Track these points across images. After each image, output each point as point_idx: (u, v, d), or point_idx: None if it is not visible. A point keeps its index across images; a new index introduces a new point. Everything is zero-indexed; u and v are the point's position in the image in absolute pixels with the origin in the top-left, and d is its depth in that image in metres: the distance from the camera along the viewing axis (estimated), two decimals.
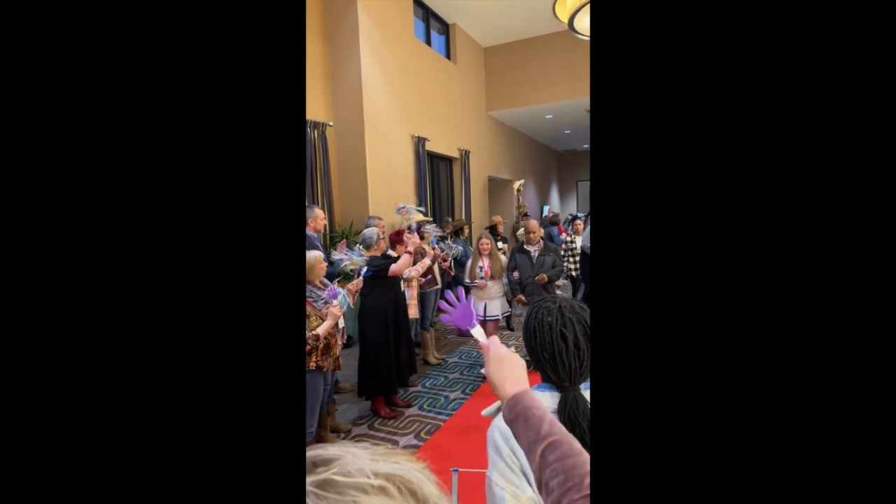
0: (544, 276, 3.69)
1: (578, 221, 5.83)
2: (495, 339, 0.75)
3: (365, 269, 3.10)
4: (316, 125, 4.77)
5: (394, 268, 3.10)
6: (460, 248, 4.89)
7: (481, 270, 3.98)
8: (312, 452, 0.33)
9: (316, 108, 4.95)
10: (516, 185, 8.41)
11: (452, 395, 3.55)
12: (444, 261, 4.61)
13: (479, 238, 4.08)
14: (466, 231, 5.63)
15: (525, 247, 3.90)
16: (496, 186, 9.19)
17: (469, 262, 4.13)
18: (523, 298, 3.80)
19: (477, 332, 0.83)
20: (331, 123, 5.02)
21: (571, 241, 5.65)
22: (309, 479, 0.29)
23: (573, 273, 5.63)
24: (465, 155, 7.40)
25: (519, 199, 8.62)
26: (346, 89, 5.14)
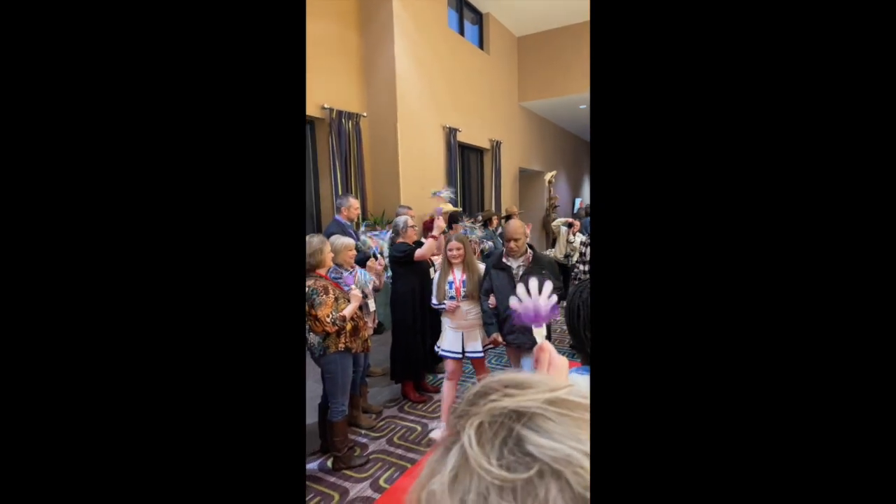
0: None
1: None
2: (549, 344, 0.72)
3: (386, 249, 3.18)
4: (350, 116, 4.86)
5: (419, 252, 3.15)
6: (490, 243, 4.83)
7: (451, 287, 2.73)
8: (506, 376, 0.33)
9: (350, 99, 5.03)
10: (547, 176, 8.33)
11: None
12: (474, 253, 4.62)
13: (447, 242, 2.79)
14: (495, 222, 5.64)
15: (504, 260, 2.59)
16: (527, 178, 9.12)
17: (437, 277, 2.85)
18: (499, 339, 2.61)
19: (539, 332, 0.78)
20: (364, 114, 5.11)
21: (584, 244, 4.29)
22: (541, 397, 0.30)
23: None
24: (497, 146, 7.37)
25: (550, 191, 8.54)
26: (379, 80, 5.20)
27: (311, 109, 4.56)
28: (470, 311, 2.74)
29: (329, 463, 2.52)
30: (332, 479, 2.42)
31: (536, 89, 8.06)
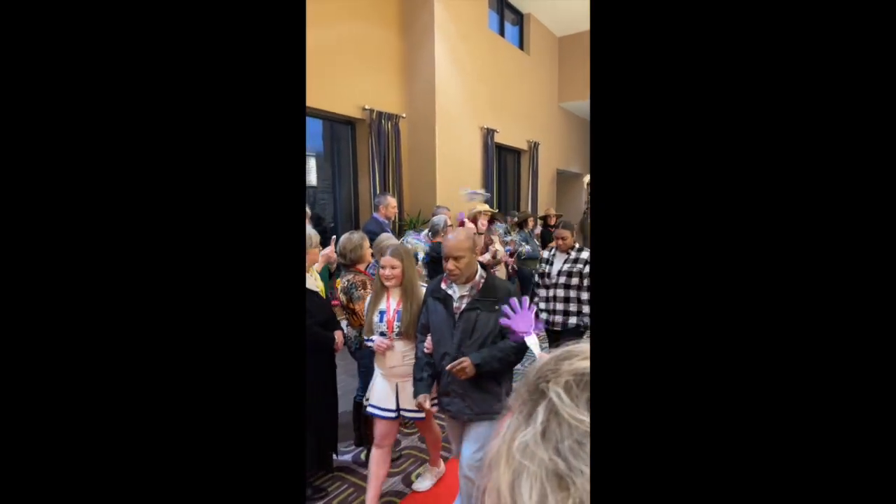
0: (466, 360, 1.63)
1: None
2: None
3: (422, 254, 3.23)
4: (390, 117, 4.95)
5: None
6: (528, 248, 4.79)
7: (382, 319, 1.99)
8: (582, 345, 0.37)
9: (391, 100, 5.13)
10: (587, 178, 8.19)
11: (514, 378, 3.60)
12: (512, 255, 4.61)
13: (382, 256, 2.04)
14: (531, 224, 5.61)
15: (443, 287, 1.81)
16: (564, 180, 9.00)
17: (367, 303, 2.11)
18: (426, 404, 1.80)
19: (532, 341, 0.78)
20: (404, 115, 5.19)
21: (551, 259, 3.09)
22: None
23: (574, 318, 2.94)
24: (535, 147, 7.31)
25: (589, 194, 8.40)
26: (419, 82, 5.27)
27: (352, 110, 4.67)
28: (407, 354, 1.99)
29: (363, 455, 2.58)
30: (366, 472, 2.48)
31: (577, 90, 7.94)
